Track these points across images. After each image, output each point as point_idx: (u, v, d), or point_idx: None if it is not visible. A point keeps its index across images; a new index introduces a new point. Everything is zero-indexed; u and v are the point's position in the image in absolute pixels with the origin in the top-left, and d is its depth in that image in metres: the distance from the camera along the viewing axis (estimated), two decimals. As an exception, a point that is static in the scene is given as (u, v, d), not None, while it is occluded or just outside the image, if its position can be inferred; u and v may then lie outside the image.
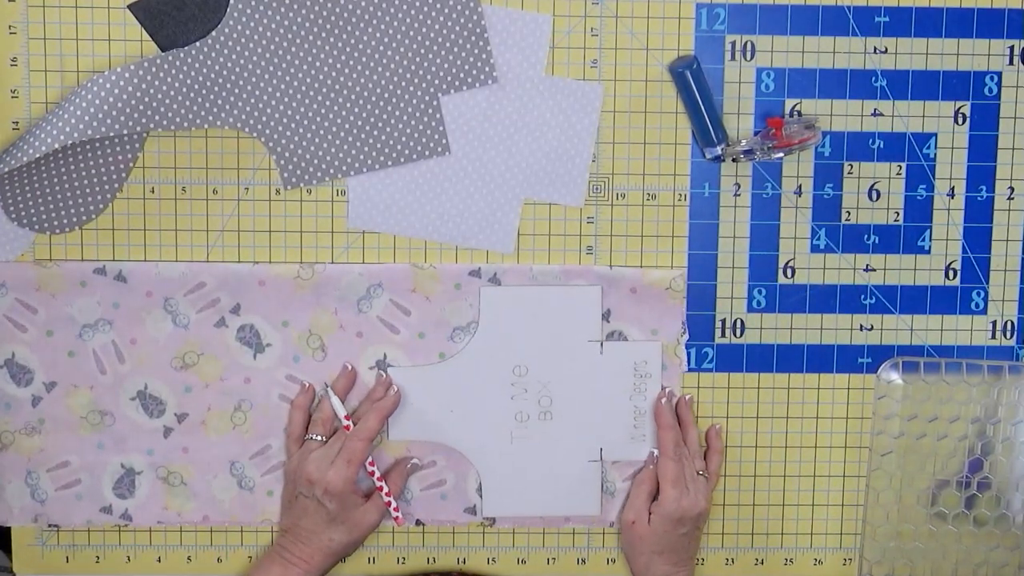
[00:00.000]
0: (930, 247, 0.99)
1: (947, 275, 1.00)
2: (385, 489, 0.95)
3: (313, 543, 0.93)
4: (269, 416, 0.98)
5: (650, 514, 0.96)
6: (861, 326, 1.00)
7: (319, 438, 0.95)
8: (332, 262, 0.97)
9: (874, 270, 0.99)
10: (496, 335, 0.98)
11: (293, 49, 0.94)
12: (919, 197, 0.99)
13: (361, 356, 0.98)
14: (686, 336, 0.99)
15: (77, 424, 0.97)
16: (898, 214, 0.99)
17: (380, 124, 0.95)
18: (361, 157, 0.96)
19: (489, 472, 0.99)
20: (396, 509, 0.96)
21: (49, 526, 0.99)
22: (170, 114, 0.92)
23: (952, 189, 0.99)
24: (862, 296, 0.99)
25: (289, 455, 0.97)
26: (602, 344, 0.98)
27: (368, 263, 0.97)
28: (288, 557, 0.93)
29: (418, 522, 1.00)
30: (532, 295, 0.98)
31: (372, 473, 0.95)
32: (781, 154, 0.95)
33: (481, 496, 0.99)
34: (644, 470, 0.98)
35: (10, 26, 0.94)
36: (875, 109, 0.98)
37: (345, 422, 0.95)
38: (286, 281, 0.97)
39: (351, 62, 0.94)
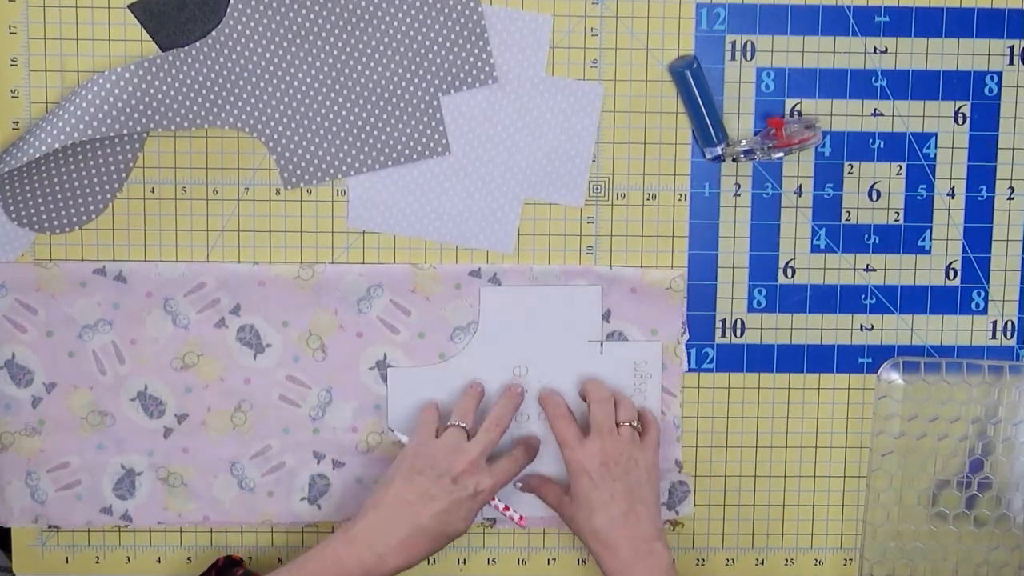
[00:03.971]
0: (930, 247, 0.99)
1: (947, 275, 1.00)
2: (501, 504, 0.94)
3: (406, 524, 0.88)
4: (269, 416, 0.98)
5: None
6: (861, 326, 1.00)
7: (462, 425, 0.92)
8: (332, 262, 0.97)
9: (874, 270, 0.99)
10: (496, 335, 0.98)
11: (293, 49, 0.94)
12: (919, 197, 0.99)
13: (361, 356, 0.98)
14: (686, 336, 0.99)
15: (77, 425, 0.97)
16: (898, 214, 0.99)
17: (380, 124, 0.95)
18: (361, 157, 0.96)
19: (489, 472, 0.99)
20: (510, 511, 0.95)
21: (49, 527, 0.99)
22: (170, 114, 0.92)
23: (952, 189, 0.99)
24: (862, 296, 0.99)
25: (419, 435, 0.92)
26: (602, 344, 0.98)
27: (368, 263, 0.97)
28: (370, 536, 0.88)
29: (418, 522, 1.00)
30: (532, 295, 0.97)
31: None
32: (781, 154, 0.95)
33: (481, 496, 0.99)
34: (531, 479, 0.96)
35: (10, 26, 0.94)
36: (875, 109, 0.98)
37: None
38: (286, 281, 0.97)
39: (351, 62, 0.94)
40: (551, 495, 0.95)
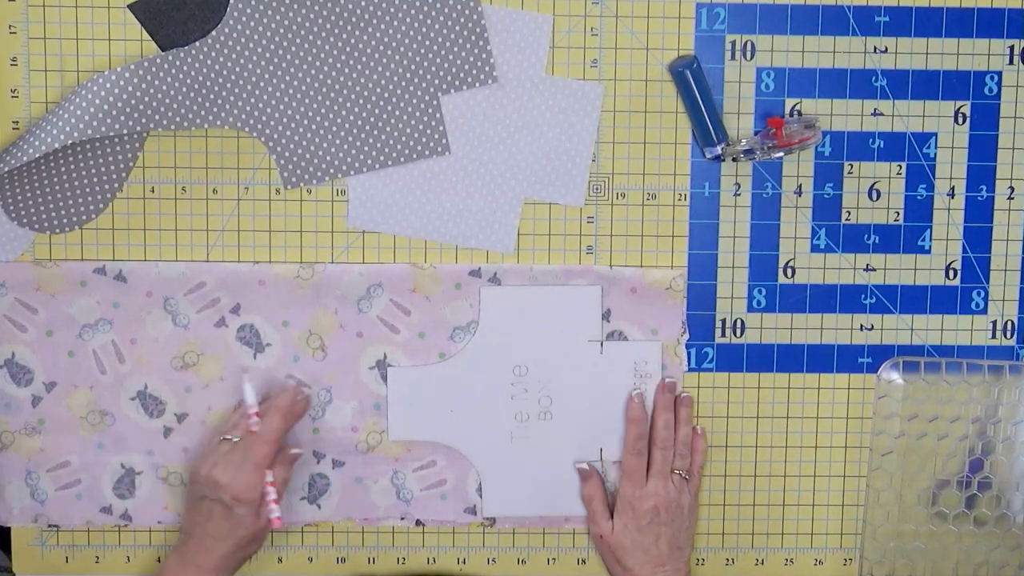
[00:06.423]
0: (930, 247, 0.99)
1: (947, 275, 1.00)
2: (272, 495, 0.91)
3: (217, 549, 0.89)
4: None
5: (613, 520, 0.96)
6: (861, 326, 1.00)
7: (234, 439, 0.92)
8: (332, 262, 0.97)
9: (874, 270, 0.99)
10: (496, 335, 0.98)
11: (293, 49, 0.94)
12: (919, 197, 0.99)
13: (361, 356, 0.98)
14: (686, 336, 0.99)
15: (77, 424, 0.97)
16: (898, 214, 0.99)
17: (380, 124, 0.95)
18: (361, 157, 0.96)
19: (489, 472, 0.99)
20: (277, 506, 0.91)
21: (49, 526, 0.99)
22: (170, 114, 0.92)
23: (952, 189, 0.99)
24: (862, 296, 0.99)
25: (207, 450, 0.93)
26: (602, 344, 0.98)
27: (368, 263, 0.97)
28: (195, 560, 0.90)
29: (418, 522, 1.00)
30: (532, 295, 0.98)
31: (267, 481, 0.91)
32: (781, 154, 0.95)
33: (481, 496, 0.99)
34: (587, 484, 0.98)
35: (10, 26, 0.94)
36: (875, 109, 0.98)
37: (253, 420, 0.91)
38: (286, 281, 0.97)
39: (351, 62, 0.94)
40: (598, 511, 0.97)
